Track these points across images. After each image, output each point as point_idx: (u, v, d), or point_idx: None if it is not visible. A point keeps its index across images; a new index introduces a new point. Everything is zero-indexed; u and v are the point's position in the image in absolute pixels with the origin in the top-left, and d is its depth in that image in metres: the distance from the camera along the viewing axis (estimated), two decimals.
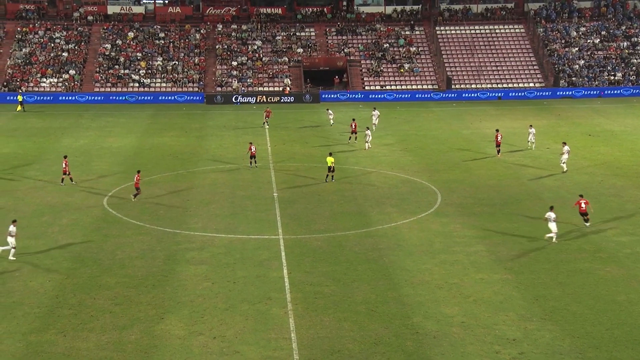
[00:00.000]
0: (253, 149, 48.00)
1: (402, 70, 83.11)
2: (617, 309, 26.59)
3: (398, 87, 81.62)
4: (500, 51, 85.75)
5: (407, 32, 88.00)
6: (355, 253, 32.75)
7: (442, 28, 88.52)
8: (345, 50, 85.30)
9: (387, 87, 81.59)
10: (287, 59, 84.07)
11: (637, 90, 79.07)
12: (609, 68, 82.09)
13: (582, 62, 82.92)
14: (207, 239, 34.68)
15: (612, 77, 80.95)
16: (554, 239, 33.31)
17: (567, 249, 32.82)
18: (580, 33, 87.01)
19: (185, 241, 34.32)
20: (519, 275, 29.94)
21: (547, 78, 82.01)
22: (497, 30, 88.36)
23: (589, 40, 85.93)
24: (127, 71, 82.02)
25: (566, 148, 46.11)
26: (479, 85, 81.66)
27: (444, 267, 30.94)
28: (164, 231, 35.72)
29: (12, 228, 31.97)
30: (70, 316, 26.32)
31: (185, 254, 32.67)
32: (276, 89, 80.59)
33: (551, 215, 33.37)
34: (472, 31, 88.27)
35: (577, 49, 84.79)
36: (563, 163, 46.21)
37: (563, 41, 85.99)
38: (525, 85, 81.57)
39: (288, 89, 79.78)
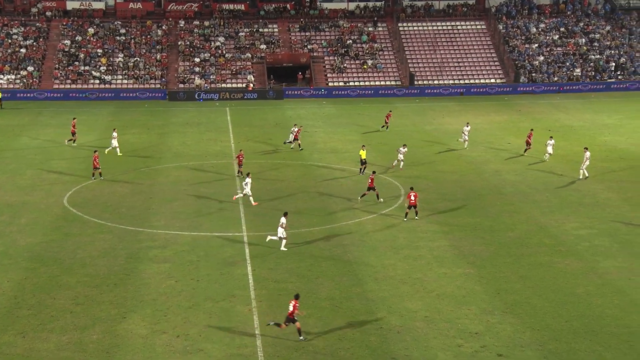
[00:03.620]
0: (241, 157, 45.54)
1: (365, 66, 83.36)
2: (575, 301, 27.05)
3: (361, 83, 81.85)
4: (462, 47, 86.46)
5: (370, 29, 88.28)
6: (320, 249, 32.79)
7: (404, 24, 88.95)
8: (308, 46, 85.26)
9: (351, 84, 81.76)
10: (250, 55, 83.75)
11: (595, 86, 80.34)
12: (567, 64, 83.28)
13: (542, 58, 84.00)
14: (171, 236, 34.42)
15: (570, 73, 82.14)
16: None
17: (527, 243, 33.26)
18: (540, 29, 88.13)
19: (148, 239, 34.02)
20: (481, 270, 30.27)
21: (508, 74, 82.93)
22: (459, 27, 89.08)
23: (548, 37, 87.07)
24: (87, 68, 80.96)
25: (587, 154, 43.96)
26: (441, 81, 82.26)
27: (407, 262, 31.15)
28: (126, 229, 35.36)
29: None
30: (30, 317, 25.93)
31: (148, 252, 32.39)
32: (239, 85, 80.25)
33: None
34: (435, 27, 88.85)
35: (536, 45, 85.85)
36: (583, 169, 44.07)
37: (523, 37, 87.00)
38: (487, 81, 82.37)
39: (251, 85, 79.49)
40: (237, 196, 39.67)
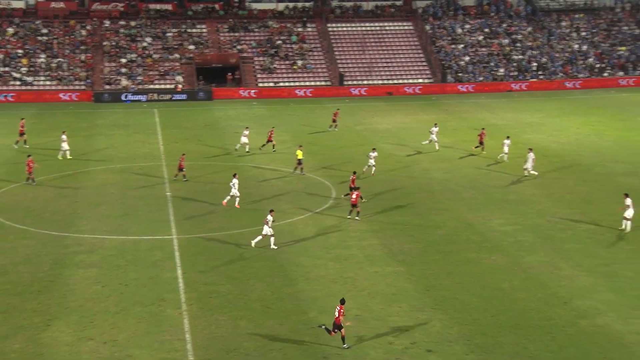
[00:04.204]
0: (182, 161, 44.58)
1: (295, 66, 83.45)
2: (501, 296, 27.71)
3: (291, 83, 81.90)
4: (390, 48, 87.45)
5: (300, 29, 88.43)
6: (251, 250, 32.67)
7: (333, 25, 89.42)
8: (237, 47, 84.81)
9: (281, 84, 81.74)
10: (178, 56, 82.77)
11: (518, 85, 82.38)
12: (492, 64, 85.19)
13: (468, 58, 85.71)
14: (97, 241, 33.73)
15: (495, 73, 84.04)
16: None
17: (455, 240, 33.89)
18: (465, 30, 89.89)
19: (73, 244, 33.25)
20: (410, 267, 30.70)
21: (435, 74, 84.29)
22: (387, 27, 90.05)
23: (473, 37, 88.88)
24: (7, 69, 78.53)
25: (532, 155, 44.46)
26: (370, 82, 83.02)
27: (339, 262, 31.33)
28: (51, 235, 34.47)
29: None
30: None
31: (74, 257, 31.66)
32: (168, 86, 79.19)
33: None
34: (363, 28, 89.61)
35: (462, 45, 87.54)
36: (527, 168, 44.55)
37: (449, 38, 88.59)
38: (415, 81, 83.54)
39: (180, 86, 78.59)
40: (226, 200, 38.90)
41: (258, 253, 32.32)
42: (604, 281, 28.93)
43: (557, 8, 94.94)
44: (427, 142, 52.70)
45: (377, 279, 29.46)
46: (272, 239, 32.75)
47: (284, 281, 29.30)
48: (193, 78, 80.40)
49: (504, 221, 36.49)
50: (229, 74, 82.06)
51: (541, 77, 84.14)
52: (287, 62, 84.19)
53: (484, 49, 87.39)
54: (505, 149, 48.45)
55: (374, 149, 46.22)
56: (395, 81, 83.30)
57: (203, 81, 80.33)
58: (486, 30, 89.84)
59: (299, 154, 45.72)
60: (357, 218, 36.56)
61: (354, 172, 40.42)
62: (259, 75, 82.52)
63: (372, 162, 44.98)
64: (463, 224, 36.12)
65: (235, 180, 38.67)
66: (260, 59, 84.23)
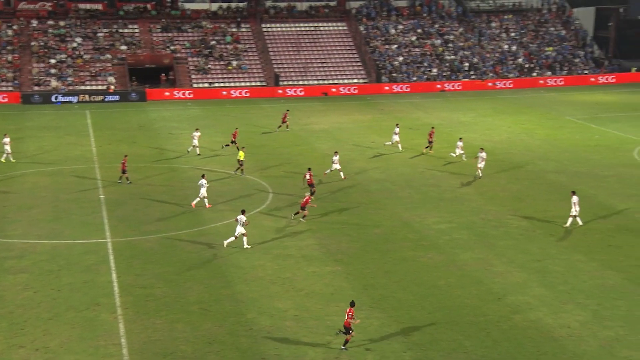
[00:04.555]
0: (125, 163, 43.72)
1: (230, 67, 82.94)
2: (438, 293, 28.10)
3: (227, 84, 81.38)
4: (325, 48, 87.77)
5: (234, 29, 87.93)
6: (188, 253, 32.33)
7: (268, 25, 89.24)
8: (171, 47, 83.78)
9: (216, 85, 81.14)
10: (110, 56, 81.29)
11: (451, 85, 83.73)
12: (425, 64, 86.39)
13: (401, 58, 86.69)
14: (28, 245, 32.83)
15: (428, 73, 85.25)
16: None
17: (392, 239, 34.22)
18: (399, 31, 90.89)
19: (3, 249, 32.27)
20: (348, 266, 30.85)
21: (370, 74, 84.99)
22: (322, 28, 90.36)
23: (406, 38, 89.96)
24: None
25: (483, 154, 44.68)
26: (306, 82, 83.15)
27: (277, 263, 31.27)
28: None
29: None
30: None
31: (3, 263, 30.74)
32: (100, 87, 77.68)
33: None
34: (298, 28, 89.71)
35: (396, 46, 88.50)
36: (480, 168, 44.70)
37: (383, 38, 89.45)
38: (350, 81, 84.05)
39: (112, 87, 77.19)
40: (195, 201, 38.46)
41: (195, 255, 32.00)
42: (535, 277, 29.63)
43: (487, 9, 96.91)
44: (390, 143, 52.79)
45: (315, 279, 29.51)
46: (245, 238, 32.71)
47: (221, 283, 29.08)
48: (126, 79, 79.08)
49: (440, 219, 37.02)
50: (163, 74, 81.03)
51: (473, 77, 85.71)
52: (221, 62, 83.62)
53: (417, 50, 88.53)
54: (458, 150, 48.81)
55: (336, 152, 45.14)
56: (331, 81, 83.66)
57: (136, 82, 79.10)
58: (419, 30, 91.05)
59: (241, 155, 45.47)
60: (301, 219, 36.43)
61: (309, 168, 40.86)
62: (193, 76, 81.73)
63: (336, 166, 44.10)
64: (400, 223, 36.50)
65: (203, 181, 38.45)
66: (195, 59, 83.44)
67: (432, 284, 28.97)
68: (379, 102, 75.58)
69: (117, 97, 75.83)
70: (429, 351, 23.73)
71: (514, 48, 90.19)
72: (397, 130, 53.03)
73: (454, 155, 49.15)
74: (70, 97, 74.56)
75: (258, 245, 33.25)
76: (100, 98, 75.21)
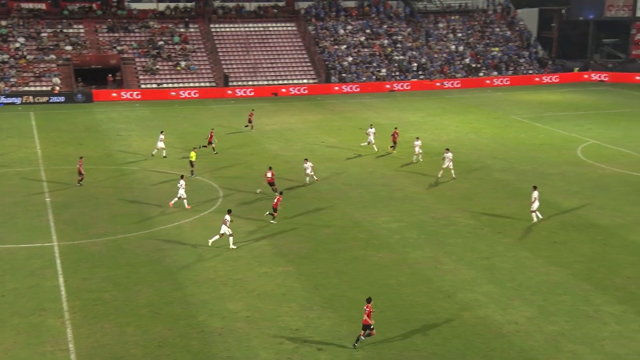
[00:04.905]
0: (81, 165, 43.12)
1: (178, 68, 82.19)
2: (389, 292, 28.32)
3: (175, 85, 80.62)
4: (274, 49, 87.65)
5: (182, 30, 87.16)
6: (137, 255, 31.95)
7: (216, 25, 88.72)
8: (118, 47, 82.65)
9: (164, 85, 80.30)
10: (54, 57, 79.77)
11: (400, 85, 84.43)
12: (374, 64, 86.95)
13: (351, 59, 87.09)
14: None
15: (377, 73, 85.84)
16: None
17: (343, 239, 34.35)
18: (348, 31, 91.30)
19: None
20: (300, 267, 30.87)
21: (320, 74, 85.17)
22: (271, 28, 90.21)
23: (355, 38, 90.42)
24: None
25: (449, 155, 44.71)
26: (255, 82, 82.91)
27: (228, 264, 31.12)
28: None
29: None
30: None
31: None
32: (44, 88, 76.14)
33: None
34: (246, 29, 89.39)
35: (345, 46, 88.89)
36: (444, 168, 44.76)
37: (332, 39, 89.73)
38: (299, 81, 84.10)
39: (57, 88, 75.77)
40: (173, 201, 38.38)
41: (145, 258, 31.62)
42: (484, 274, 30.08)
43: (434, 10, 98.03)
44: (366, 143, 52.60)
45: (266, 280, 29.45)
46: (231, 238, 32.64)
47: (172, 285, 28.81)
48: (71, 80, 77.71)
49: (390, 218, 37.30)
50: (110, 75, 79.87)
51: (421, 77, 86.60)
52: (170, 63, 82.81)
53: (366, 50, 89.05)
54: (417, 149, 49.13)
55: (306, 159, 44.83)
56: (281, 82, 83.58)
57: (82, 83, 77.79)
58: (368, 31, 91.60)
59: (193, 156, 45.13)
60: (272, 222, 36.30)
61: (270, 167, 41.25)
62: (141, 77, 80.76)
63: (309, 171, 43.74)
64: (350, 223, 36.66)
65: (182, 182, 38.31)
66: (142, 60, 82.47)
67: (383, 283, 29.18)
68: (329, 102, 75.78)
69: (62, 99, 74.43)
70: (380, 349, 23.90)
71: (461, 48, 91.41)
72: (371, 130, 52.78)
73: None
74: (14, 99, 72.92)
75: (209, 247, 33.02)
76: (45, 99, 73.73)
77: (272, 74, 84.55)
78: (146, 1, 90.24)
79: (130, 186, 43.30)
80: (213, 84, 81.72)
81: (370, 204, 39.71)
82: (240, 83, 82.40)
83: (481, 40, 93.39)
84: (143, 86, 79.72)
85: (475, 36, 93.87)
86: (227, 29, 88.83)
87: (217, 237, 32.79)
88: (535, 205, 36.20)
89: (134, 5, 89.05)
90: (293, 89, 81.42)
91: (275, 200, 36.46)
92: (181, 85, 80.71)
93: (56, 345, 23.79)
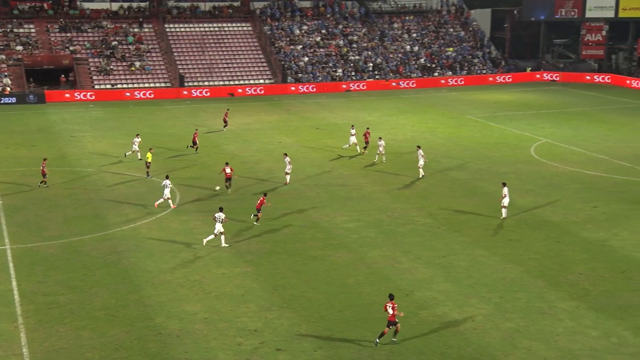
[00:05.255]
0: (44, 167, 42.48)
1: (133, 68, 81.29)
2: (347, 291, 28.42)
3: (130, 85, 79.73)
4: (230, 49, 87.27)
5: (136, 30, 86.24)
6: (93, 258, 31.52)
7: (171, 25, 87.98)
8: (70, 47, 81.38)
9: (119, 86, 79.35)
10: (4, 57, 78.19)
11: (356, 85, 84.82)
12: (330, 64, 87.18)
13: (307, 59, 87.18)
14: None
15: (333, 73, 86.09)
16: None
17: (301, 239, 34.37)
18: (303, 31, 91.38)
19: None
20: (258, 267, 30.79)
21: (276, 74, 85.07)
22: (226, 28, 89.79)
23: (311, 38, 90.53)
24: None
25: (421, 152, 45.13)
26: (211, 83, 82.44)
27: (185, 265, 30.89)
28: None
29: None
30: None
31: None
32: None
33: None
34: (202, 29, 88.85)
35: (301, 46, 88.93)
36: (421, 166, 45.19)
37: (288, 39, 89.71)
38: (256, 81, 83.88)
39: (8, 89, 74.27)
40: (158, 201, 38.26)
41: (100, 260, 31.21)
42: (441, 272, 30.39)
43: (389, 10, 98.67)
44: (348, 145, 52.11)
45: (224, 281, 29.32)
46: (223, 237, 32.63)
47: (128, 287, 28.49)
48: (22, 80, 76.31)
49: (348, 218, 37.44)
50: (62, 75, 78.63)
51: (377, 77, 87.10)
52: (124, 63, 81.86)
53: (322, 50, 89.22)
54: (381, 149, 49.29)
55: (285, 154, 44.77)
56: (237, 82, 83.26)
57: (34, 83, 76.42)
58: (323, 31, 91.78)
59: (149, 157, 44.71)
60: (255, 223, 36.16)
61: (227, 162, 41.78)
62: (94, 77, 79.67)
63: (289, 167, 43.55)
64: (308, 222, 36.69)
65: (167, 182, 38.25)
66: (96, 60, 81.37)
67: (342, 283, 29.27)
68: (285, 102, 75.74)
69: (13, 99, 73.04)
70: (339, 349, 23.97)
71: (415, 48, 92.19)
72: (353, 131, 52.46)
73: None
74: None
75: (166, 249, 32.75)
76: None
77: (228, 74, 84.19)
78: (99, 1, 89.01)
79: (85, 188, 42.70)
80: (168, 85, 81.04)
81: (328, 204, 39.80)
82: (196, 83, 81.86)
83: (436, 40, 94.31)
84: (97, 87, 78.67)
85: (429, 36, 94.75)
86: (182, 29, 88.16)
87: (211, 236, 32.86)
88: (506, 201, 36.88)
89: (87, 5, 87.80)
90: (249, 89, 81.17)
91: (259, 202, 36.36)
92: (136, 85, 79.85)
93: (10, 350, 23.34)
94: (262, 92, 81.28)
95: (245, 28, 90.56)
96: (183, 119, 66.29)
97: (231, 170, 41.45)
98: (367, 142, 51.79)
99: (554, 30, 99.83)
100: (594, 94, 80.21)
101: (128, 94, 77.54)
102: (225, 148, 53.67)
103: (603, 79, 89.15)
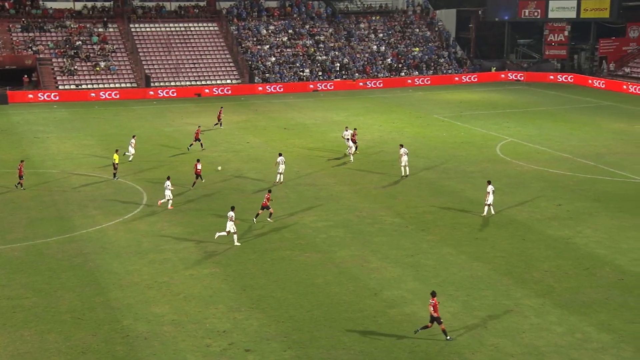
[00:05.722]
0: (21, 168, 41.98)
1: (98, 68, 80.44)
2: (316, 291, 28.45)
3: (95, 85, 78.88)
4: (196, 49, 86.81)
5: (101, 29, 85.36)
6: (58, 260, 31.14)
7: (136, 25, 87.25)
8: (33, 47, 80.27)
9: (83, 86, 78.45)
10: None
11: (324, 85, 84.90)
12: (297, 64, 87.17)
13: (274, 59, 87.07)
14: None
15: (301, 73, 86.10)
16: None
17: (270, 239, 34.31)
18: (270, 31, 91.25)
19: None
20: (226, 268, 30.69)
21: (243, 75, 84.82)
22: (192, 28, 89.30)
23: (278, 38, 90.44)
24: None
25: (404, 150, 45.34)
26: (178, 83, 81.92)
27: (153, 267, 30.67)
28: None
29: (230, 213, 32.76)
30: None
31: None
32: None
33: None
34: (168, 29, 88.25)
35: (268, 46, 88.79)
36: (404, 166, 45.39)
37: (255, 39, 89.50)
38: (223, 82, 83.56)
39: None
40: (162, 200, 38.67)
41: (66, 263, 30.84)
42: (409, 271, 30.56)
43: (356, 10, 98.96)
44: (349, 149, 50.51)
45: (192, 282, 29.16)
46: (235, 236, 32.78)
47: (95, 290, 28.20)
48: None
49: (317, 218, 37.47)
50: (25, 76, 77.54)
51: (344, 77, 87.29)
52: (89, 63, 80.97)
53: (289, 50, 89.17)
54: (349, 144, 49.52)
55: (280, 153, 44.60)
56: (204, 82, 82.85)
57: None
58: (290, 31, 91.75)
59: (116, 158, 44.27)
60: (269, 219, 36.46)
61: (198, 160, 42.58)
62: (58, 78, 78.71)
63: (282, 167, 43.62)
64: (277, 223, 36.63)
65: (167, 183, 38.39)
66: (59, 60, 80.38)
67: (310, 283, 29.30)
68: (253, 102, 75.57)
69: None
70: (308, 349, 23.99)
71: (382, 49, 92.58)
72: (346, 133, 51.89)
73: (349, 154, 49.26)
74: None
75: (133, 250, 32.48)
76: None
77: (195, 74, 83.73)
78: (62, 0, 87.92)
79: (49, 190, 42.16)
80: (134, 85, 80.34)
81: (296, 204, 39.80)
82: (162, 84, 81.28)
83: (402, 40, 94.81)
84: (61, 87, 77.72)
85: (396, 36, 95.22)
86: (148, 29, 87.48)
87: (223, 233, 33.05)
88: (490, 199, 37.30)
89: (49, 4, 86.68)
90: (216, 90, 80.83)
91: (265, 200, 36.39)
92: (101, 86, 79.05)
93: None
94: (230, 92, 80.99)
95: (211, 28, 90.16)
96: (150, 119, 65.80)
97: (200, 166, 42.27)
98: (354, 142, 51.68)
99: (518, 30, 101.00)
100: (557, 94, 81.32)
101: (93, 94, 76.72)
102: (192, 148, 53.33)
103: (566, 78, 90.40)
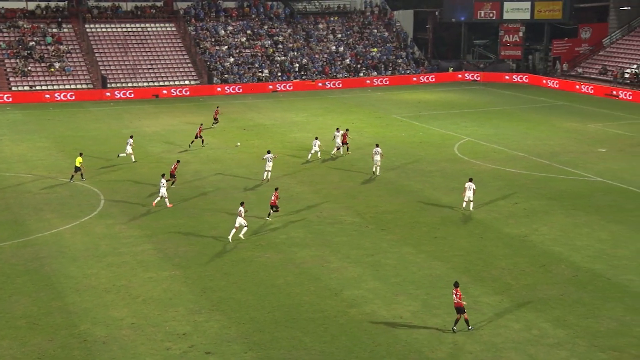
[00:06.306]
0: None
1: (52, 69, 79.17)
2: (277, 292, 28.41)
3: (49, 87, 77.61)
4: (153, 49, 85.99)
5: (55, 30, 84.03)
6: (12, 265, 30.57)
7: (92, 26, 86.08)
8: None
9: (37, 88, 77.13)
10: None
11: (283, 86, 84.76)
12: (256, 65, 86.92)
13: (232, 59, 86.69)
14: None
15: (259, 74, 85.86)
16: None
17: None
18: (228, 32, 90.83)
19: None
20: (186, 270, 30.47)
21: (202, 75, 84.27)
22: (149, 29, 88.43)
23: (236, 39, 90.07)
24: None
25: (378, 149, 45.79)
26: (135, 84, 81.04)
27: (111, 270, 30.30)
28: None
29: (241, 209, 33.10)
30: None
31: None
32: None
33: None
34: (124, 29, 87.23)
35: (226, 47, 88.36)
36: (377, 166, 45.95)
37: (213, 40, 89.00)
38: (181, 83, 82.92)
39: None
40: (155, 201, 38.67)
41: (21, 267, 30.28)
42: (369, 271, 30.69)
43: (314, 11, 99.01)
44: (335, 149, 51.02)
45: (152, 285, 28.89)
46: (245, 229, 33.21)
47: (51, 295, 27.76)
48: None
49: (276, 218, 37.38)
50: None
51: (303, 77, 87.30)
52: (43, 64, 79.65)
53: (247, 51, 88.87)
54: (316, 148, 49.39)
55: (269, 151, 45.29)
56: (161, 83, 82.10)
57: None
58: (248, 32, 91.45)
59: (78, 161, 43.49)
60: (267, 218, 37.01)
61: (178, 160, 43.77)
62: (11, 79, 77.26)
63: (269, 165, 43.99)
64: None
65: (163, 181, 38.25)
66: (12, 61, 78.91)
67: (271, 283, 29.25)
68: (211, 103, 75.05)
69: None
70: (269, 350, 23.95)
71: (341, 49, 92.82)
72: (337, 134, 51.61)
73: (315, 153, 49.45)
74: None
75: (90, 254, 32.04)
76: None
77: (153, 75, 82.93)
78: (14, 0, 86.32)
79: (2, 193, 41.36)
80: (90, 86, 79.27)
81: (256, 205, 39.66)
82: (119, 85, 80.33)
83: (360, 41, 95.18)
84: (14, 88, 76.31)
85: (354, 37, 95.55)
86: (104, 29, 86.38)
87: (234, 230, 33.22)
88: (469, 194, 37.89)
89: (1, 4, 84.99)
90: (174, 91, 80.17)
91: (273, 198, 36.73)
92: (56, 87, 77.81)
93: None
94: (188, 93, 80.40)
95: (169, 28, 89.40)
96: (107, 121, 64.99)
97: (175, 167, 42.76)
98: (345, 143, 51.64)
99: (474, 31, 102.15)
100: (512, 94, 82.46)
101: (48, 95, 75.48)
102: (150, 150, 52.86)
103: (521, 78, 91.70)
